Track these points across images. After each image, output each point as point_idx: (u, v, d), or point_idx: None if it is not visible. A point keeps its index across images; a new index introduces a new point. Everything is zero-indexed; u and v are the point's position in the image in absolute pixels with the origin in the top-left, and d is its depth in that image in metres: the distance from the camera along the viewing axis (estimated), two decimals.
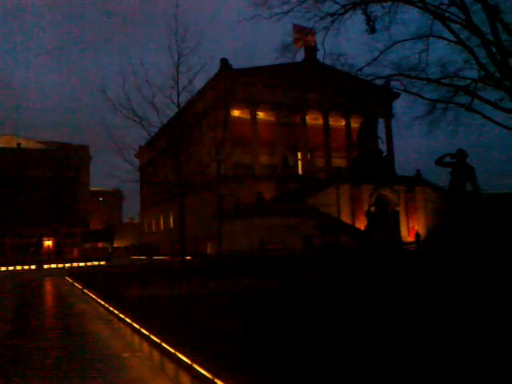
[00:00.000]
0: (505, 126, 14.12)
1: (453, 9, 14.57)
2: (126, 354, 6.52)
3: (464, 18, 14.20)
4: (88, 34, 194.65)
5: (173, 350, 5.86)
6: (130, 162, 21.21)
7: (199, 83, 27.52)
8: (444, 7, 14.77)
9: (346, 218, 40.04)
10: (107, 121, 21.62)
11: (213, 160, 24.37)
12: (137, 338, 7.48)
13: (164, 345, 6.26)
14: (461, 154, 10.36)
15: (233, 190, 38.34)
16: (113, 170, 20.71)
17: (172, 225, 58.80)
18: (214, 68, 44.13)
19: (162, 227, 66.56)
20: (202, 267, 22.05)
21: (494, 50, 13.73)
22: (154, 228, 71.69)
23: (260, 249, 28.38)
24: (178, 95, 20.51)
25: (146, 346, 6.89)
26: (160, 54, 22.34)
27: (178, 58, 20.36)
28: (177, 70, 20.43)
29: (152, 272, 20.88)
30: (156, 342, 6.61)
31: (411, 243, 38.36)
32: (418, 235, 41.12)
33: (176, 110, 21.16)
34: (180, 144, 21.95)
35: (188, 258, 29.82)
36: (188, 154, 22.73)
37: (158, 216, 67.45)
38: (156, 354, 6.30)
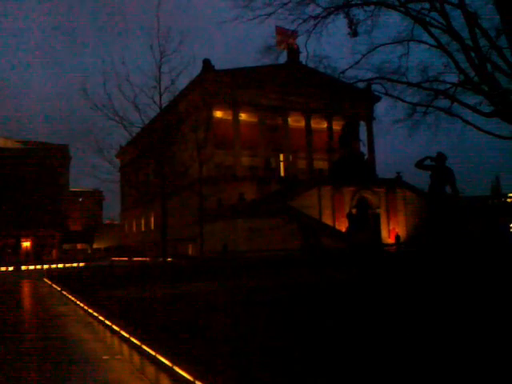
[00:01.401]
0: (483, 130, 14.38)
1: (433, 14, 14.80)
2: (105, 357, 6.43)
3: (444, 23, 14.43)
4: (72, 32, 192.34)
5: (153, 353, 5.79)
6: (110, 163, 21.05)
7: (182, 84, 27.42)
8: (425, 12, 15.00)
9: (327, 219, 40.27)
10: (88, 120, 21.46)
11: (195, 161, 24.31)
12: (116, 341, 7.39)
13: (144, 347, 6.19)
14: (440, 157, 10.51)
15: (215, 192, 38.23)
16: (93, 171, 20.52)
17: (153, 226, 58.37)
18: (197, 69, 44.07)
19: (143, 228, 66.01)
20: (180, 269, 21.95)
21: (473, 54, 13.97)
22: (135, 229, 71.05)
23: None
24: (160, 96, 20.46)
25: (125, 348, 6.81)
26: (142, 54, 22.23)
27: (161, 59, 20.30)
28: (159, 70, 20.38)
29: (132, 273, 20.68)
30: (136, 344, 6.53)
31: (391, 245, 38.83)
32: (398, 237, 41.61)
33: (158, 110, 21.05)
34: (162, 145, 21.84)
35: (169, 259, 29.63)
36: (170, 155, 22.64)
37: (139, 217, 66.87)
38: (136, 357, 6.22)
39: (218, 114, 48.95)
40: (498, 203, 51.31)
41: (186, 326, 7.16)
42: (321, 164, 53.51)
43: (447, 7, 14.43)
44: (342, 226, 39.13)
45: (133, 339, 6.73)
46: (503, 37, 13.72)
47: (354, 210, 41.07)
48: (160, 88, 20.26)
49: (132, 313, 8.76)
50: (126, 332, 7.15)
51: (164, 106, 20.62)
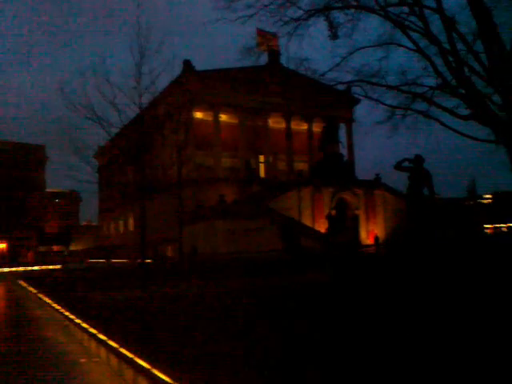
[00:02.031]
0: (460, 133, 14.60)
1: (413, 18, 14.97)
2: (83, 360, 6.33)
3: (423, 27, 14.62)
4: (51, 30, 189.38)
5: (131, 355, 5.71)
6: (88, 163, 20.66)
7: (162, 84, 27.18)
8: (404, 16, 15.16)
9: (307, 220, 40.46)
10: (65, 120, 21.10)
11: (174, 162, 24.13)
12: (94, 344, 7.27)
13: (122, 350, 6.10)
14: (418, 160, 10.65)
15: (195, 193, 38.07)
16: (70, 171, 20.14)
17: (132, 227, 57.78)
18: (178, 69, 43.81)
19: (121, 230, 65.29)
20: (158, 271, 21.80)
21: (451, 58, 14.18)
22: (113, 231, 70.23)
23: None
24: (140, 96, 20.14)
25: (103, 351, 6.71)
26: (122, 54, 21.97)
27: (141, 59, 20.02)
28: (139, 70, 20.08)
29: (109, 276, 20.45)
30: (114, 346, 6.44)
31: (370, 246, 39.25)
32: (376, 238, 42.04)
33: (137, 111, 20.80)
34: (142, 146, 21.58)
35: (148, 261, 29.34)
36: (150, 156, 22.40)
37: (118, 218, 66.14)
38: (114, 359, 6.13)
39: (199, 115, 48.81)
40: (474, 205, 52.28)
41: (160, 328, 7.10)
42: (301, 165, 53.77)
43: (426, 12, 14.61)
44: (322, 227, 39.38)
45: (110, 342, 6.64)
46: (479, 41, 13.97)
47: (333, 212, 41.39)
48: (140, 88, 20.01)
49: (109, 315, 8.65)
50: (104, 334, 7.05)
51: (144, 106, 20.38)
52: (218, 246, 33.45)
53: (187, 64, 46.30)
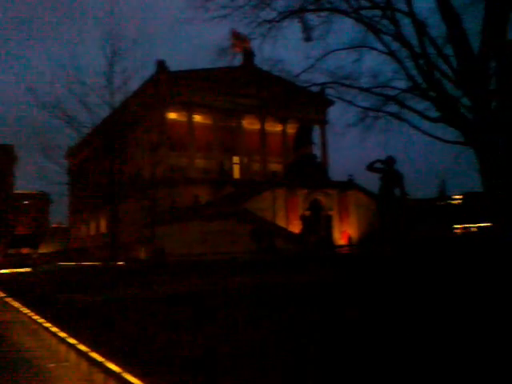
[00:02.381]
0: (430, 135, 14.89)
1: (385, 21, 15.19)
2: (51, 365, 6.17)
3: (395, 30, 14.86)
4: (20, 28, 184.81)
5: (101, 359, 5.62)
6: (58, 164, 20.31)
7: (135, 84, 26.90)
8: (376, 19, 15.37)
9: (281, 221, 40.58)
10: (35, 120, 20.64)
11: (148, 163, 23.88)
12: (63, 348, 7.12)
13: (92, 353, 6.00)
14: (390, 161, 10.79)
15: (168, 194, 37.73)
16: (40, 172, 19.74)
17: (104, 229, 56.89)
18: (152, 69, 43.42)
19: (92, 232, 64.22)
20: (127, 273, 21.54)
21: (422, 62, 14.45)
22: (84, 232, 69.03)
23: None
24: (112, 96, 19.92)
25: (73, 355, 6.57)
26: (94, 53, 21.63)
27: (113, 58, 19.79)
28: (111, 69, 19.85)
29: (79, 278, 20.08)
30: (83, 350, 6.32)
31: (344, 246, 39.68)
32: (350, 238, 42.55)
33: (109, 110, 20.53)
34: (114, 146, 21.31)
35: (120, 263, 28.96)
36: (122, 157, 22.13)
37: (89, 220, 65.05)
38: (84, 363, 6.02)
39: (173, 115, 48.42)
40: (444, 205, 53.39)
41: (130, 330, 7.01)
42: (275, 166, 53.93)
43: (398, 15, 14.87)
44: (296, 227, 39.56)
45: (80, 346, 6.52)
46: (449, 45, 14.28)
47: (307, 212, 41.65)
48: (112, 88, 19.76)
49: (78, 318, 8.50)
50: (74, 338, 6.92)
51: (116, 106, 20.13)
52: (192, 247, 33.22)
53: (161, 64, 45.92)
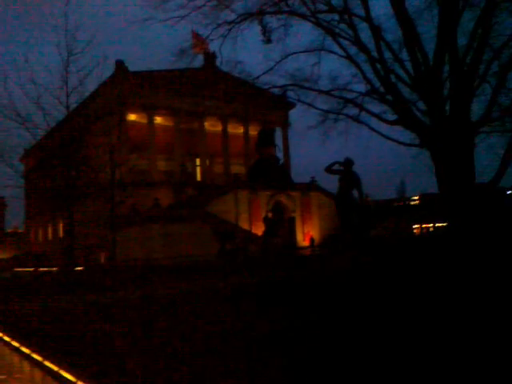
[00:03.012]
0: (388, 137, 15.27)
1: (342, 26, 15.49)
2: (2, 377, 5.92)
3: (352, 34, 15.16)
4: None
5: (56, 368, 5.43)
6: (11, 167, 19.59)
7: (93, 85, 26.30)
8: (335, 23, 15.65)
9: (243, 223, 40.60)
10: None
11: (107, 165, 23.40)
12: (16, 358, 6.84)
13: (46, 363, 5.79)
14: (348, 162, 10.98)
15: (129, 197, 37.06)
16: None
17: (62, 233, 55.32)
18: (110, 70, 42.52)
19: (50, 236, 62.35)
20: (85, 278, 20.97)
21: (379, 66, 14.79)
22: (41, 237, 66.90)
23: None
24: (68, 96, 19.39)
25: (26, 365, 6.32)
26: (48, 52, 21.00)
27: (68, 57, 19.26)
28: (66, 69, 19.31)
29: (35, 285, 19.41)
30: (38, 360, 6.09)
31: (306, 247, 40.05)
32: (312, 240, 42.99)
33: (65, 112, 19.97)
34: (70, 148, 20.75)
35: (79, 268, 28.22)
36: (79, 159, 21.57)
37: (46, 224, 63.11)
38: (38, 374, 5.80)
39: (132, 116, 47.63)
40: (403, 206, 54.73)
41: (92, 342, 6.82)
42: (237, 168, 53.91)
43: (355, 20, 15.18)
44: (259, 229, 39.64)
45: (34, 355, 6.29)
46: (405, 50, 14.69)
47: (269, 214, 41.81)
48: (67, 88, 19.25)
49: (34, 328, 8.20)
50: (27, 347, 6.67)
51: (72, 107, 19.65)
52: (154, 251, 32.77)
53: (120, 64, 45.08)
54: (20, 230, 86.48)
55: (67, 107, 19.36)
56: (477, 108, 14.44)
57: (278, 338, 5.83)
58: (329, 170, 10.96)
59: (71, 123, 22.03)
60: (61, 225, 55.88)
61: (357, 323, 6.27)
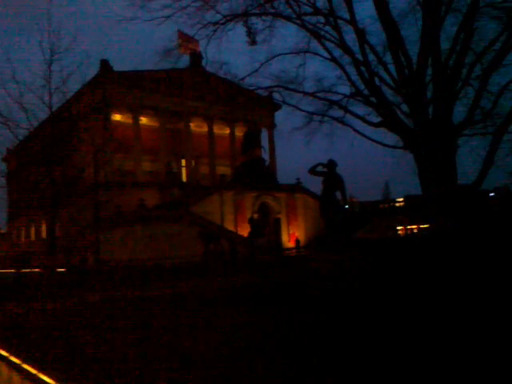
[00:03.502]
0: (372, 139, 15.37)
1: (328, 28, 15.55)
2: None
3: (337, 37, 15.23)
4: None
5: (34, 371, 5.37)
6: None
7: (77, 85, 26.01)
8: (320, 26, 15.71)
9: (229, 225, 40.51)
10: None
11: (91, 165, 23.17)
12: None
13: (25, 366, 5.73)
14: (331, 164, 11.02)
15: (113, 197, 36.72)
16: None
17: (45, 234, 54.62)
18: (95, 70, 42.14)
19: (33, 237, 61.52)
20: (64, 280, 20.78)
21: (363, 68, 14.89)
22: (24, 238, 65.97)
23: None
24: (51, 95, 19.14)
25: (4, 368, 6.25)
26: (31, 51, 20.73)
27: (51, 56, 19.02)
28: (49, 68, 19.07)
29: (17, 286, 19.15)
30: (16, 363, 6.03)
31: (292, 249, 40.12)
32: (297, 241, 43.07)
33: (48, 111, 19.73)
34: (54, 148, 20.49)
35: (61, 269, 27.91)
36: (63, 159, 21.32)
37: (29, 225, 62.26)
38: (16, 378, 5.74)
39: (118, 117, 47.22)
40: (388, 208, 55.14)
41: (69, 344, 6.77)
42: (223, 169, 53.78)
43: (340, 23, 15.26)
44: (244, 231, 39.57)
45: (12, 358, 6.22)
46: (389, 53, 14.81)
47: (255, 216, 41.78)
48: (50, 87, 18.99)
49: (13, 331, 8.10)
50: (5, 351, 6.59)
51: (55, 106, 19.40)
52: (138, 252, 32.51)
53: (105, 64, 44.61)
54: (2, 231, 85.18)
55: (50, 107, 19.11)
56: (459, 111, 14.62)
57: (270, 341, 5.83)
58: (312, 171, 10.98)
59: (55, 123, 21.73)
60: (44, 225, 55.16)
61: (336, 324, 6.30)
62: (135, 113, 47.79)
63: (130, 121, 47.79)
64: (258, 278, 14.06)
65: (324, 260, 11.22)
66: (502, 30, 13.62)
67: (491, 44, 13.87)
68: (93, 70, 40.12)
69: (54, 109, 19.37)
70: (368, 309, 6.98)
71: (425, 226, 33.67)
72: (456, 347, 4.69)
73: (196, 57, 32.72)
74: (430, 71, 14.24)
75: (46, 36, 18.79)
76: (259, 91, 18.14)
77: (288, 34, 16.98)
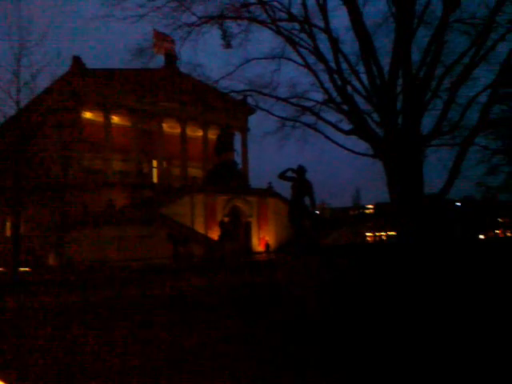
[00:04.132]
0: (342, 146, 15.57)
1: (302, 35, 15.67)
2: None
3: (312, 44, 15.38)
4: None
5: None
6: None
7: (47, 82, 25.40)
8: (295, 33, 15.83)
9: (199, 227, 40.28)
10: None
11: (58, 164, 22.65)
12: None
13: None
14: (300, 170, 11.09)
15: (82, 197, 35.98)
16: None
17: (9, 233, 53.05)
18: (67, 67, 41.25)
19: None
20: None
21: (336, 76, 15.07)
22: None
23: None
24: (19, 91, 18.62)
25: None
26: None
27: (20, 51, 18.52)
28: (18, 63, 18.56)
29: None
30: None
31: (261, 252, 40.21)
32: (267, 245, 43.21)
33: (15, 107, 19.19)
34: (19, 145, 19.94)
35: (26, 269, 27.18)
36: (29, 156, 20.76)
37: None
38: None
39: (88, 115, 46.39)
40: (358, 214, 55.96)
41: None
42: (195, 172, 53.47)
43: (315, 30, 15.41)
44: (215, 234, 39.43)
45: None
46: (362, 63, 15.03)
47: (226, 219, 41.72)
48: (18, 82, 18.48)
49: None
50: None
51: (23, 103, 18.87)
52: (107, 253, 31.93)
53: (77, 60, 43.77)
54: None
55: (17, 102, 18.59)
56: (428, 122, 14.95)
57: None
58: (282, 176, 11.04)
59: (22, 119, 21.15)
60: (8, 224, 53.60)
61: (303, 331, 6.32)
62: (106, 111, 47.06)
63: (101, 119, 47.02)
64: (217, 281, 14.04)
65: (284, 264, 11.29)
66: (470, 45, 14.02)
67: (460, 58, 14.25)
68: (65, 68, 39.35)
69: (21, 105, 18.87)
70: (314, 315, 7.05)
71: (393, 233, 34.29)
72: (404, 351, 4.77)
73: (171, 57, 32.43)
74: (400, 82, 14.50)
75: (15, 29, 18.29)
76: (233, 95, 18.16)
77: (263, 39, 17.08)
